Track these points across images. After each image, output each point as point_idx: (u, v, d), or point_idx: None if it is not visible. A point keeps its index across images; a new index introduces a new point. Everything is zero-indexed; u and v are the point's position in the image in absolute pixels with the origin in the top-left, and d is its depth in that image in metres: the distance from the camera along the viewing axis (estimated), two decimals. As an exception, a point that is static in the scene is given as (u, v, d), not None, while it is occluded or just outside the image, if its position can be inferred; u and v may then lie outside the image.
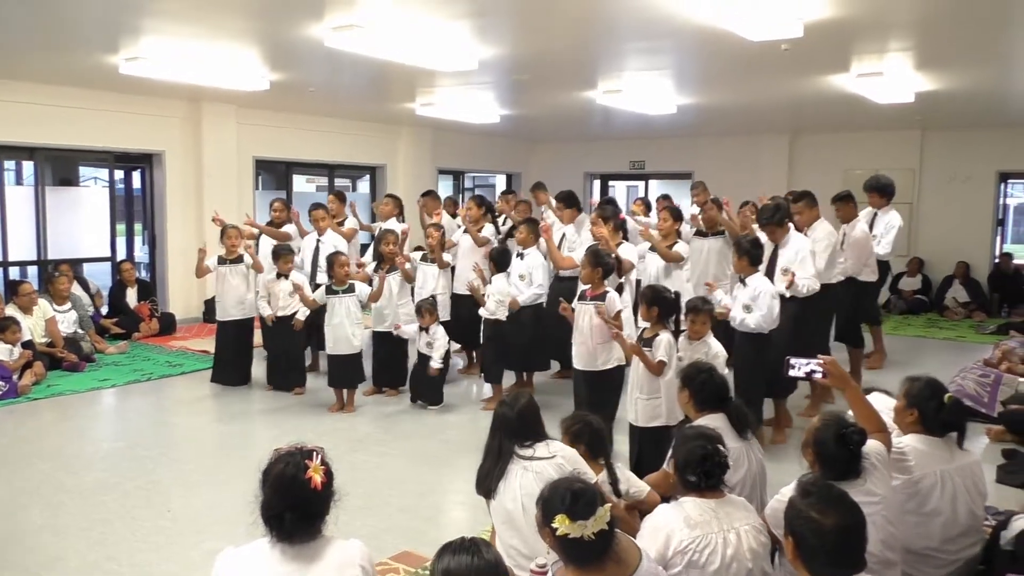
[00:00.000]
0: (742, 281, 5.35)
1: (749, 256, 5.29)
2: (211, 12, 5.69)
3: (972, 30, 6.05)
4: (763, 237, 5.87)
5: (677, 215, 6.67)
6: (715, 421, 3.59)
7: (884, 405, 4.09)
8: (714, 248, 6.85)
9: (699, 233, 7.10)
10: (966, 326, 10.95)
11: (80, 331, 8.48)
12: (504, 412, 3.31)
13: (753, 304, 5.22)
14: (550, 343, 6.88)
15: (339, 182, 13.41)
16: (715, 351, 4.87)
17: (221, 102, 10.22)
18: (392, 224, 7.84)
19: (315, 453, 2.30)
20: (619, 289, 5.61)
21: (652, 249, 6.67)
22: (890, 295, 12.02)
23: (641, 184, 16.31)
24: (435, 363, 6.50)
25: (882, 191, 7.65)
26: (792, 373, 3.40)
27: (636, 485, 3.65)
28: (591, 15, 5.65)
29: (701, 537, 2.71)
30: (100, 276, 10.47)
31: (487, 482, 3.24)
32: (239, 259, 7.24)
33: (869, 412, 3.26)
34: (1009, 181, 13.06)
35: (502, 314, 6.58)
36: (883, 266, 7.74)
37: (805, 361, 3.36)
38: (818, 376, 3.33)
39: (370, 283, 6.85)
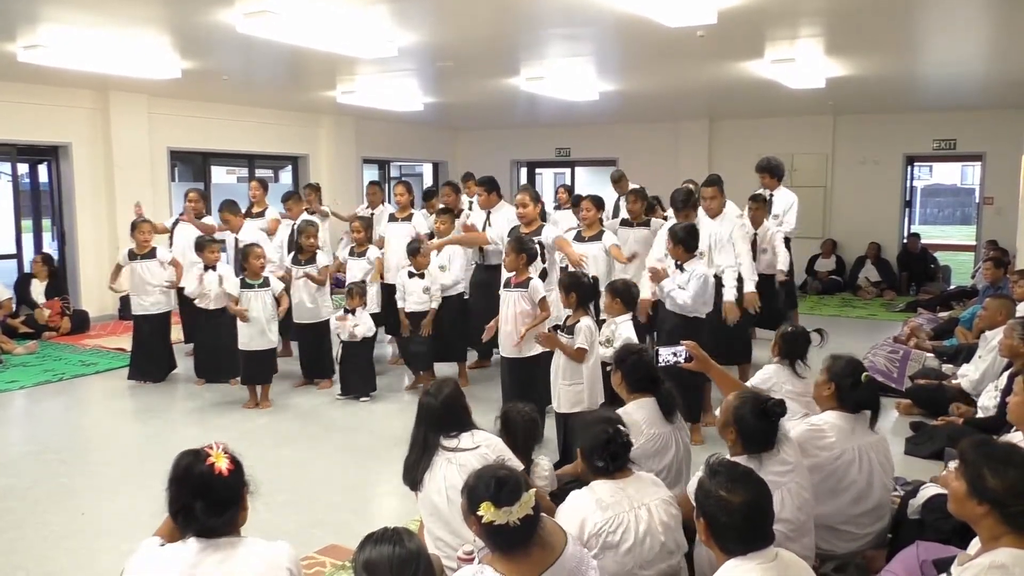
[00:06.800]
0: (679, 267, 5.38)
1: (684, 244, 5.32)
2: (113, -1, 5.47)
3: (878, 17, 6.26)
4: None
5: (599, 204, 6.73)
6: (645, 405, 3.63)
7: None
8: (639, 238, 6.91)
9: (625, 223, 7.17)
10: (877, 305, 11.39)
11: (-16, 332, 8.09)
12: (428, 401, 3.29)
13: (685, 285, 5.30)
14: (475, 333, 6.88)
15: (260, 173, 13.08)
16: (621, 332, 4.85)
17: (131, 91, 9.83)
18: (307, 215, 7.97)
19: (215, 444, 2.21)
20: (543, 275, 5.61)
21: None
22: (806, 276, 12.42)
23: (567, 171, 16.43)
24: (358, 327, 6.37)
25: (773, 171, 7.82)
26: (662, 363, 3.48)
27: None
28: (509, 0, 5.62)
29: (613, 518, 2.75)
30: (5, 274, 9.98)
31: (413, 473, 3.23)
32: (152, 254, 6.99)
33: (735, 385, 3.52)
34: (915, 164, 13.61)
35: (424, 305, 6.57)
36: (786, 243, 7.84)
37: (671, 349, 3.44)
38: (683, 361, 3.43)
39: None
